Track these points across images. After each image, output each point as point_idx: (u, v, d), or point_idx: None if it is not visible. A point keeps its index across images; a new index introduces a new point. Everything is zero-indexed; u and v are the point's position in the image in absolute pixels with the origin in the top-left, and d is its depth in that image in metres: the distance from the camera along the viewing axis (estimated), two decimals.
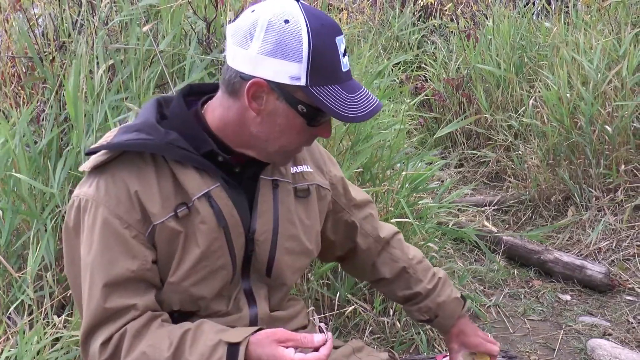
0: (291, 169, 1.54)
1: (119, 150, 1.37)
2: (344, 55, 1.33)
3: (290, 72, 1.29)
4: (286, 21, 1.28)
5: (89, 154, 1.43)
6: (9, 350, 2.05)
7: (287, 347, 1.25)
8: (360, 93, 1.34)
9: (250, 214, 1.45)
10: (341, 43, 1.32)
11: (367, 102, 1.33)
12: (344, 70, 1.33)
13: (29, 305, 2.25)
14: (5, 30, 2.80)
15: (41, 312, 2.19)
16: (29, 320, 2.22)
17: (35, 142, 2.51)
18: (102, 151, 1.38)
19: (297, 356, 1.24)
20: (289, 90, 1.31)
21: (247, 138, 1.39)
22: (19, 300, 2.26)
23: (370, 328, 2.78)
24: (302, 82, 1.29)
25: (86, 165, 1.41)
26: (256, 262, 1.47)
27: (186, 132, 1.39)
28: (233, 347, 1.27)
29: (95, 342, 1.35)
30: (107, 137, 1.43)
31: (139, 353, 1.30)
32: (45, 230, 2.29)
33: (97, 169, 1.39)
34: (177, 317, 1.43)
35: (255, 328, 1.32)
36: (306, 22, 1.28)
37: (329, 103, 1.29)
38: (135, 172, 1.37)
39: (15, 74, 2.75)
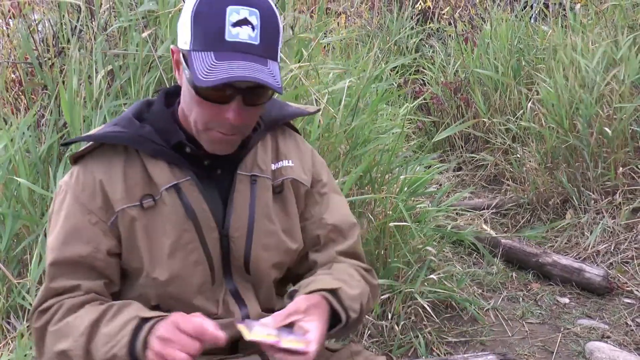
0: (272, 165, 1.52)
1: (96, 143, 1.41)
2: (237, 25, 1.25)
3: (185, 37, 1.29)
4: None
5: (64, 145, 1.48)
6: (8, 355, 2.06)
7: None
8: (232, 62, 1.23)
9: (225, 210, 1.45)
10: (234, 12, 1.25)
11: (233, 72, 1.22)
12: (228, 39, 1.24)
13: (29, 311, 2.26)
14: (8, 35, 2.82)
15: None
16: (27, 326, 2.23)
17: (36, 147, 2.53)
18: (85, 144, 1.43)
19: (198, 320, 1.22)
20: (184, 55, 1.31)
21: (189, 120, 1.38)
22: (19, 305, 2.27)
23: (369, 332, 2.79)
24: (188, 46, 1.28)
25: (72, 156, 1.46)
26: (234, 259, 1.46)
27: (160, 126, 1.42)
28: (143, 321, 1.27)
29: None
30: (93, 131, 1.47)
31: (64, 322, 1.33)
32: (45, 236, 2.30)
33: (78, 159, 1.44)
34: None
35: (180, 314, 1.27)
36: None
37: (194, 67, 1.25)
38: (104, 163, 1.40)
39: (16, 80, 2.77)
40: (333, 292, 1.38)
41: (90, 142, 1.42)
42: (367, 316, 2.78)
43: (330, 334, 1.42)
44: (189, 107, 1.35)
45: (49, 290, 1.37)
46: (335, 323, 1.38)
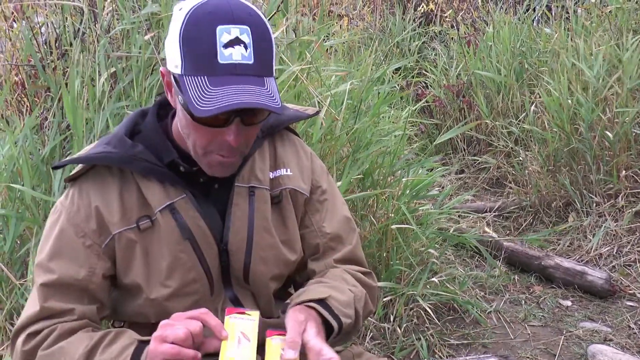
0: (270, 174, 1.49)
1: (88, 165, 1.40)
2: (229, 46, 1.20)
3: (175, 60, 1.24)
4: (180, 9, 1.25)
5: (55, 168, 1.46)
6: (11, 356, 2.06)
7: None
8: (229, 88, 1.19)
9: (224, 224, 1.43)
10: (225, 33, 1.20)
11: (230, 100, 1.18)
12: (221, 61, 1.19)
13: None
14: (10, 39, 2.83)
15: None
16: (6, 345, 2.24)
17: (38, 150, 2.53)
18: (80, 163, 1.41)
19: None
20: (176, 79, 1.26)
21: (186, 142, 1.36)
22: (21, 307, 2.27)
23: (371, 334, 2.79)
24: (179, 70, 1.23)
25: (67, 177, 1.44)
26: (233, 271, 1.46)
27: (152, 144, 1.39)
28: (142, 344, 1.27)
29: (24, 334, 1.36)
30: (86, 149, 1.45)
31: (56, 347, 1.31)
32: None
33: (72, 181, 1.42)
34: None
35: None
36: (190, 9, 1.23)
37: (189, 93, 1.20)
38: (99, 185, 1.39)
39: (19, 82, 2.77)
40: (322, 301, 1.37)
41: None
42: (369, 318, 2.78)
43: (328, 343, 1.42)
44: (186, 130, 1.32)
45: (42, 310, 1.35)
46: (329, 332, 1.37)
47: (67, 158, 1.43)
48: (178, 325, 1.21)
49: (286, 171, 1.52)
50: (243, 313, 1.29)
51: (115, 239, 1.37)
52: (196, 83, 1.20)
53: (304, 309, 1.34)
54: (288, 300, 1.42)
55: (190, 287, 1.40)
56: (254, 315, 1.29)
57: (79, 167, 1.42)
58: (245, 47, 1.21)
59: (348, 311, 1.41)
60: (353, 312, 1.43)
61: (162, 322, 1.24)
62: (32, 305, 1.37)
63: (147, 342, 1.26)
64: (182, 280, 1.39)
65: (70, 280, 1.35)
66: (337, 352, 1.57)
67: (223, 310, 1.44)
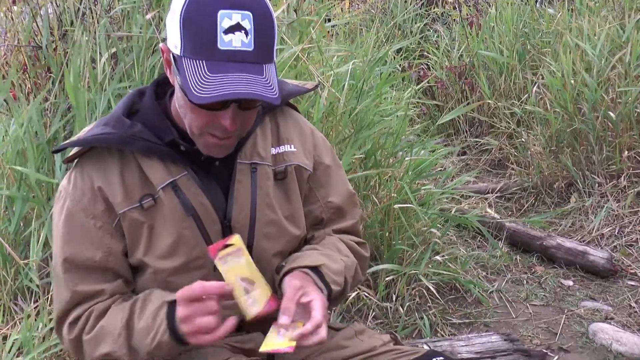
0: (272, 149, 1.49)
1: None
2: (229, 32, 1.18)
3: (174, 40, 1.23)
4: None
5: (55, 151, 1.47)
6: (16, 336, 2.08)
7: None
8: (226, 76, 1.18)
9: (227, 201, 1.43)
10: (226, 18, 1.18)
11: (228, 88, 1.18)
12: (221, 47, 1.18)
13: (35, 292, 2.28)
14: (12, 19, 2.82)
15: (47, 298, 2.21)
16: (35, 307, 2.25)
17: (43, 131, 2.53)
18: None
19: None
20: (175, 58, 1.25)
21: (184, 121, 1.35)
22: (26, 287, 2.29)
23: (374, 313, 2.81)
24: (178, 51, 1.22)
25: (65, 158, 1.45)
26: None
27: (151, 123, 1.39)
28: (172, 304, 1.29)
29: (65, 323, 1.40)
30: (84, 131, 1.45)
31: (97, 327, 1.36)
32: (52, 220, 2.31)
33: (75, 162, 1.43)
34: None
35: (181, 291, 1.30)
36: None
37: (187, 77, 1.19)
38: (100, 166, 1.39)
39: (21, 64, 2.77)
40: (315, 269, 1.42)
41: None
42: (371, 297, 2.80)
43: (335, 328, 1.52)
44: (183, 110, 1.31)
45: (74, 295, 1.38)
46: None
47: (67, 141, 1.43)
48: (196, 314, 1.24)
49: (290, 147, 1.52)
50: (226, 246, 1.31)
51: (120, 219, 1.38)
52: (194, 67, 1.19)
53: (299, 275, 1.40)
54: (283, 263, 1.46)
55: (195, 263, 1.41)
56: (236, 242, 1.32)
57: (75, 148, 1.42)
58: (246, 34, 1.19)
59: (338, 279, 1.46)
60: (343, 280, 1.48)
61: (179, 316, 1.25)
62: (62, 294, 1.40)
63: (174, 302, 1.29)
64: (187, 257, 1.40)
65: (90, 263, 1.37)
66: (340, 328, 1.59)
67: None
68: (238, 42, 1.19)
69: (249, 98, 1.20)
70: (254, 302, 1.28)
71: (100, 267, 1.38)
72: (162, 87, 1.46)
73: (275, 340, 1.27)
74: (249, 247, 1.45)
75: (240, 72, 1.19)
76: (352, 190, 1.65)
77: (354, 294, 2.76)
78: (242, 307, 1.27)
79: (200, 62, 1.19)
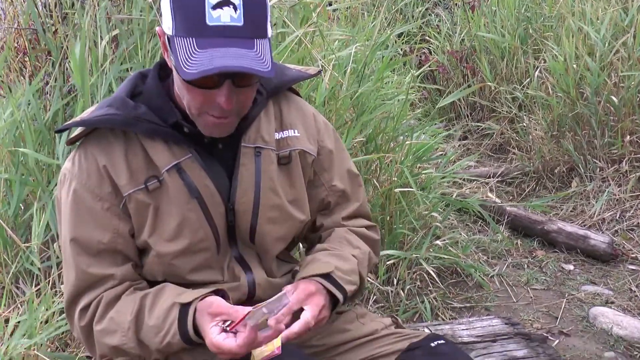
0: (275, 134, 1.49)
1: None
2: (217, 7, 1.18)
3: (167, 21, 1.24)
4: None
5: (58, 131, 1.45)
6: (18, 318, 2.08)
7: (217, 323, 1.27)
8: (215, 51, 1.18)
9: (230, 184, 1.43)
10: None
11: (215, 63, 1.17)
12: (209, 23, 1.18)
13: (37, 275, 2.28)
14: (11, 2, 2.80)
15: (48, 281, 2.21)
16: (36, 290, 2.25)
17: (41, 114, 2.52)
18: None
19: (218, 338, 1.24)
20: (169, 39, 1.25)
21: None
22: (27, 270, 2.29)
23: (375, 297, 2.81)
24: (170, 32, 1.22)
25: (68, 139, 1.44)
26: (240, 231, 1.46)
27: (155, 105, 1.39)
28: (184, 307, 1.30)
29: (76, 309, 1.40)
30: (87, 112, 1.44)
31: (107, 319, 1.36)
32: (52, 202, 2.31)
33: (78, 144, 1.42)
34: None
35: (206, 291, 1.34)
36: None
37: (178, 55, 1.20)
38: (104, 147, 1.38)
39: (20, 47, 2.75)
40: (327, 275, 1.42)
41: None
42: (373, 282, 2.80)
43: (337, 312, 1.54)
44: (181, 92, 1.32)
45: (85, 277, 1.37)
46: (336, 302, 1.43)
47: (70, 121, 1.42)
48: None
49: (294, 132, 1.52)
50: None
51: (126, 201, 1.37)
52: (185, 45, 1.19)
53: (313, 282, 1.41)
54: (297, 268, 1.50)
55: (198, 246, 1.41)
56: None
57: (79, 129, 1.41)
58: (235, 9, 1.19)
59: (352, 278, 1.46)
60: (357, 278, 1.48)
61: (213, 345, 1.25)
62: (71, 276, 1.39)
63: (188, 304, 1.30)
64: (191, 239, 1.40)
65: (99, 245, 1.37)
66: (341, 312, 1.60)
67: (229, 268, 1.47)
68: (227, 17, 1.19)
69: (237, 71, 1.19)
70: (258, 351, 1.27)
71: (109, 249, 1.38)
72: (165, 70, 1.44)
73: (262, 349, 1.28)
74: (252, 230, 1.46)
75: (229, 46, 1.19)
76: (356, 172, 1.65)
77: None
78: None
79: (191, 39, 1.19)
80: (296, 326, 1.31)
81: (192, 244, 1.40)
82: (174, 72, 1.32)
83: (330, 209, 1.61)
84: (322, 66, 2.73)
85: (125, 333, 1.34)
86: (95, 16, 2.50)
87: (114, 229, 1.37)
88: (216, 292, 1.35)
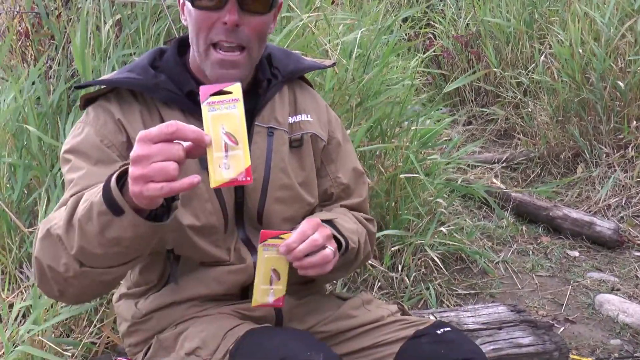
0: (289, 118, 1.52)
1: (110, 87, 1.40)
2: None
3: None
4: None
5: (79, 87, 1.45)
6: (21, 303, 2.07)
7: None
8: None
9: None
10: None
11: None
12: None
13: None
14: None
15: None
16: None
17: (46, 98, 2.51)
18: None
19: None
20: None
21: (196, 59, 1.39)
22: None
23: (379, 283, 2.80)
24: None
25: (84, 95, 1.43)
26: (247, 209, 1.46)
27: (173, 75, 1.41)
28: (109, 178, 1.10)
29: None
30: (107, 75, 1.45)
31: (49, 215, 1.24)
32: (55, 187, 2.30)
33: (91, 102, 1.41)
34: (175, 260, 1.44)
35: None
36: None
37: None
38: (122, 105, 1.39)
39: (23, 31, 2.73)
40: (329, 222, 1.43)
41: (104, 86, 1.41)
42: (377, 266, 2.79)
43: (342, 298, 1.56)
44: (192, 36, 1.36)
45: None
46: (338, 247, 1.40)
47: (92, 80, 1.42)
48: (156, 156, 1.02)
49: (307, 117, 1.54)
50: (222, 93, 1.08)
51: None
52: None
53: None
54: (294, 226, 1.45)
55: (207, 218, 1.40)
56: (235, 92, 1.08)
57: (95, 89, 1.42)
58: None
59: (354, 237, 1.47)
60: (357, 240, 1.48)
61: (133, 155, 1.02)
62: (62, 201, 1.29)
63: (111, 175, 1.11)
64: (199, 210, 1.39)
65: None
66: (347, 298, 1.59)
67: (236, 250, 1.45)
68: None
69: None
70: (228, 167, 1.05)
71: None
72: (184, 46, 1.48)
73: (266, 299, 1.30)
74: (260, 209, 1.46)
75: None
76: (361, 170, 1.66)
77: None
78: (210, 168, 1.05)
79: None
80: (294, 235, 1.29)
81: (201, 213, 1.39)
82: (189, 24, 1.36)
83: (332, 201, 1.62)
84: (327, 52, 2.71)
85: (59, 218, 1.18)
86: (99, 0, 2.48)
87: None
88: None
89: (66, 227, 1.14)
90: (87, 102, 1.42)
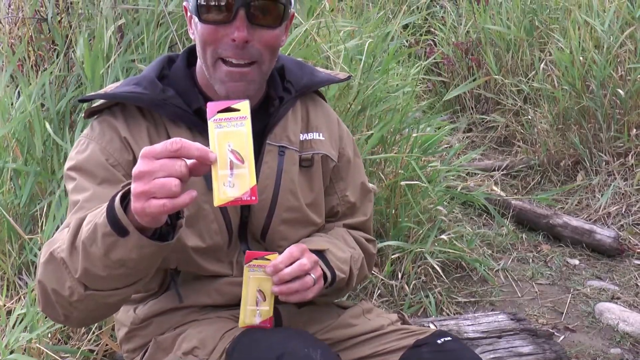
0: (300, 135, 1.49)
1: (114, 101, 1.37)
2: None
3: None
4: None
5: (82, 101, 1.43)
6: (21, 310, 2.07)
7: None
8: None
9: None
10: None
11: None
12: None
13: None
14: None
15: None
16: None
17: (54, 105, 2.51)
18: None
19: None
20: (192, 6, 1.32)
21: (204, 73, 1.37)
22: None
23: (379, 291, 2.80)
24: None
25: (88, 108, 1.41)
26: (252, 226, 1.45)
27: (181, 90, 1.38)
28: (113, 198, 1.08)
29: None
30: (111, 87, 1.43)
31: (52, 238, 1.23)
32: (59, 187, 2.30)
33: (94, 117, 1.39)
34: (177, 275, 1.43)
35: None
36: None
37: (195, 1, 1.29)
38: (127, 121, 1.36)
39: (25, 36, 2.74)
40: (320, 252, 1.41)
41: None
42: (377, 275, 2.79)
43: (342, 307, 1.55)
44: (200, 50, 1.33)
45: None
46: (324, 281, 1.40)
47: (96, 92, 1.40)
48: (158, 172, 1.00)
49: (319, 136, 1.52)
50: (230, 110, 1.08)
51: None
52: None
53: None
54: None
55: (211, 238, 1.39)
56: (243, 109, 1.07)
57: (100, 102, 1.39)
58: None
59: (343, 267, 1.45)
60: (348, 269, 1.47)
61: (135, 171, 1.01)
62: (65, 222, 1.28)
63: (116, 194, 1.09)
64: (204, 230, 1.38)
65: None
66: (347, 307, 1.59)
67: (238, 263, 1.45)
68: None
69: None
70: (233, 186, 1.04)
71: None
72: (193, 56, 1.45)
73: (253, 320, 1.31)
74: (265, 228, 1.45)
75: None
76: (369, 187, 1.65)
77: None
78: (215, 186, 1.03)
79: None
80: (281, 257, 1.30)
81: (206, 233, 1.38)
82: (197, 37, 1.33)
83: (337, 218, 1.61)
84: (328, 59, 2.72)
85: (62, 241, 1.16)
86: (101, 6, 2.48)
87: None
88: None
89: (70, 249, 1.13)
90: (92, 112, 1.40)
